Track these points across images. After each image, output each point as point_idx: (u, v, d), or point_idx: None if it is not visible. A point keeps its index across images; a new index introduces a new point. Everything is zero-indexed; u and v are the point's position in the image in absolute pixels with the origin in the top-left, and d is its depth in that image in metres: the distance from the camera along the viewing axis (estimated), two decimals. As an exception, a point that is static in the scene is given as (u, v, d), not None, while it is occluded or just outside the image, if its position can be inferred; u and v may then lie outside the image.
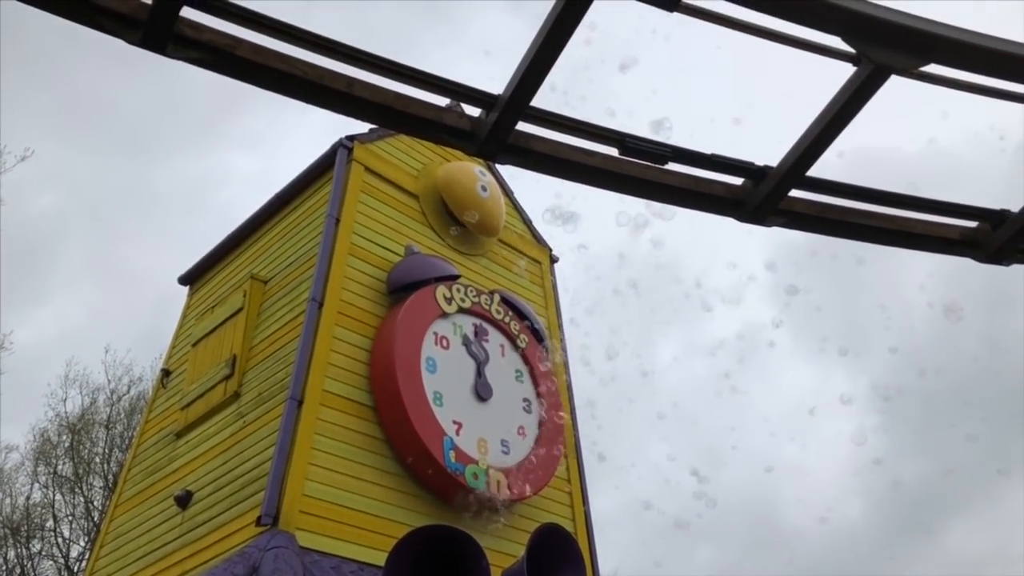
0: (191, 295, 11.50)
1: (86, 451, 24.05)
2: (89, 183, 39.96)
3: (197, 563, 7.67)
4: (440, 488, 7.98)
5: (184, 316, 11.28)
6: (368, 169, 9.64)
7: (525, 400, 9.34)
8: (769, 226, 3.57)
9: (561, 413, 9.59)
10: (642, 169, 3.37)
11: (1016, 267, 3.91)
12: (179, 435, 9.36)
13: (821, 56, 3.10)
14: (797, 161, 3.33)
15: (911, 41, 2.86)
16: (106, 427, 24.18)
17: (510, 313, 9.76)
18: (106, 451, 23.83)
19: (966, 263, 3.89)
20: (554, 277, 11.53)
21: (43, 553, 23.38)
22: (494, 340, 9.42)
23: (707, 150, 3.41)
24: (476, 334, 9.24)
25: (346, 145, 9.59)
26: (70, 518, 23.48)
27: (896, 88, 3.06)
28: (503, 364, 9.36)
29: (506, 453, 8.63)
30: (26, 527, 23.44)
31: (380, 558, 6.10)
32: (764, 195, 3.45)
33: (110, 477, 22.83)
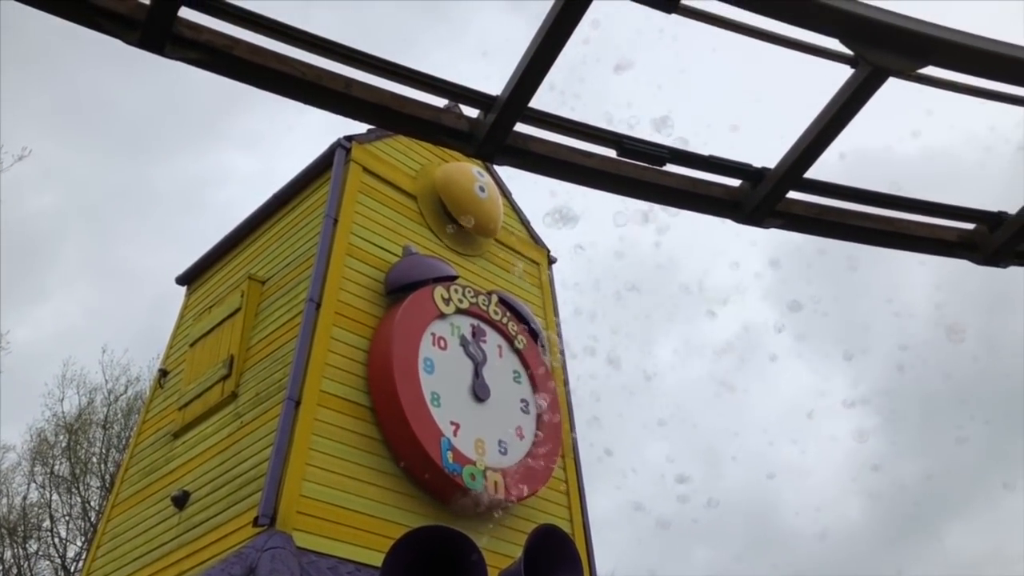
0: (189, 295, 11.49)
1: (83, 451, 24.03)
2: (88, 182, 39.97)
3: (194, 563, 7.66)
4: (437, 489, 7.97)
5: (182, 316, 11.27)
6: (366, 170, 9.64)
7: (523, 401, 9.34)
8: (767, 228, 3.58)
9: (558, 414, 9.60)
10: (640, 170, 3.38)
11: (1013, 269, 3.92)
12: (176, 435, 9.35)
13: (819, 58, 3.11)
14: (795, 163, 3.34)
15: (909, 43, 2.86)
16: (103, 427, 24.16)
17: (508, 314, 9.76)
18: (103, 451, 23.81)
19: (965, 264, 3.90)
20: (552, 278, 11.53)
21: (40, 553, 23.37)
22: (492, 341, 9.42)
23: (705, 151, 3.41)
24: (474, 335, 9.24)
25: (344, 145, 9.59)
26: (67, 518, 23.47)
27: (895, 89, 3.07)
28: (501, 365, 9.36)
29: (504, 454, 8.63)
30: (23, 527, 23.40)
31: (377, 559, 6.10)
32: (762, 197, 3.45)
33: (107, 477, 22.81)
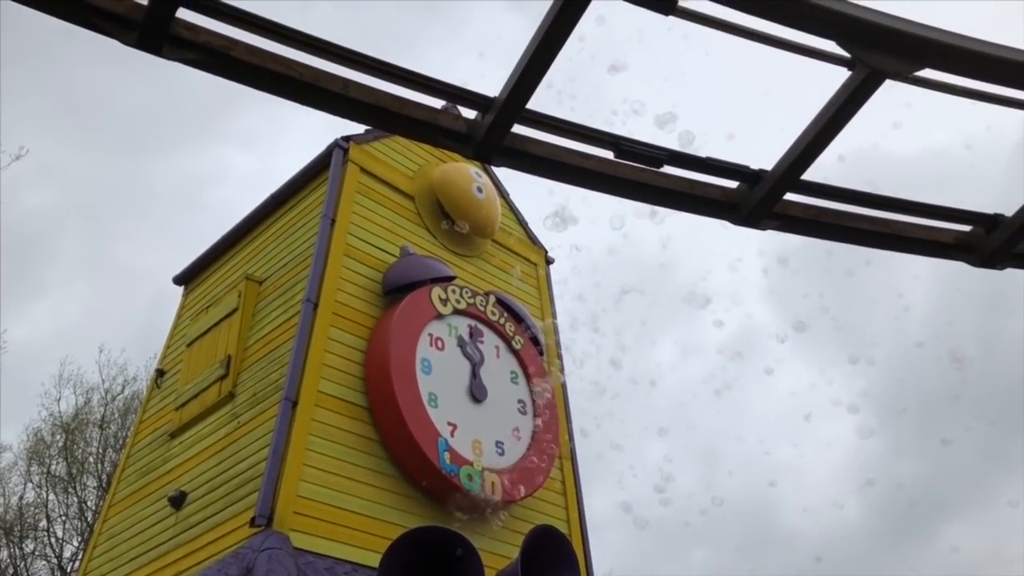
0: (186, 295, 11.48)
1: (80, 451, 23.99)
2: (85, 180, 39.88)
3: (191, 564, 7.66)
4: (435, 489, 7.97)
5: (179, 316, 11.25)
6: (364, 170, 9.63)
7: (520, 401, 9.34)
8: (764, 229, 3.59)
9: (555, 415, 9.60)
10: (637, 172, 3.38)
11: (1010, 271, 3.93)
12: (173, 435, 9.34)
13: (816, 60, 3.11)
14: (792, 165, 3.34)
15: (905, 46, 2.87)
16: (100, 427, 24.12)
17: (505, 314, 9.76)
18: (100, 451, 23.78)
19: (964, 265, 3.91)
20: (549, 278, 11.54)
21: (36, 553, 23.33)
22: (489, 341, 9.42)
23: (702, 153, 3.42)
24: (471, 335, 9.24)
25: (342, 146, 9.59)
26: (63, 518, 23.43)
27: (893, 91, 3.07)
28: (498, 365, 9.36)
29: (501, 454, 8.63)
30: (19, 527, 23.37)
31: (374, 559, 6.09)
32: (759, 199, 3.46)
33: (104, 477, 22.77)
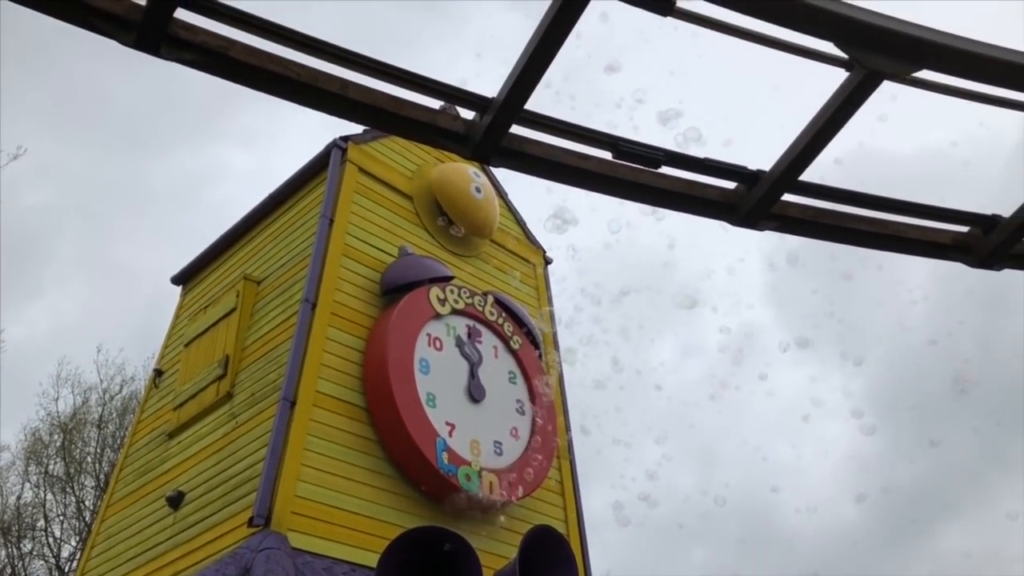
0: (184, 295, 11.48)
1: (78, 451, 23.97)
2: (84, 179, 39.80)
3: (189, 564, 7.65)
4: (433, 489, 7.97)
5: (177, 316, 11.25)
6: (362, 170, 9.63)
7: (518, 401, 9.34)
8: (762, 230, 3.59)
9: (553, 414, 9.60)
10: (636, 173, 3.38)
11: (1008, 271, 3.94)
12: (171, 435, 9.33)
13: (814, 61, 3.11)
14: (790, 165, 3.34)
15: (903, 47, 2.87)
16: (98, 427, 24.10)
17: (504, 314, 9.76)
18: (98, 451, 23.75)
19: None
20: (548, 278, 11.54)
21: (34, 553, 23.31)
22: (487, 341, 9.42)
23: (701, 154, 3.42)
24: (469, 335, 9.24)
25: (340, 146, 9.59)
26: (61, 518, 23.41)
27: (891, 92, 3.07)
28: (496, 365, 9.36)
29: (499, 454, 8.63)
30: (17, 527, 23.34)
31: (372, 559, 6.09)
32: (757, 199, 3.46)
33: (102, 477, 22.75)
